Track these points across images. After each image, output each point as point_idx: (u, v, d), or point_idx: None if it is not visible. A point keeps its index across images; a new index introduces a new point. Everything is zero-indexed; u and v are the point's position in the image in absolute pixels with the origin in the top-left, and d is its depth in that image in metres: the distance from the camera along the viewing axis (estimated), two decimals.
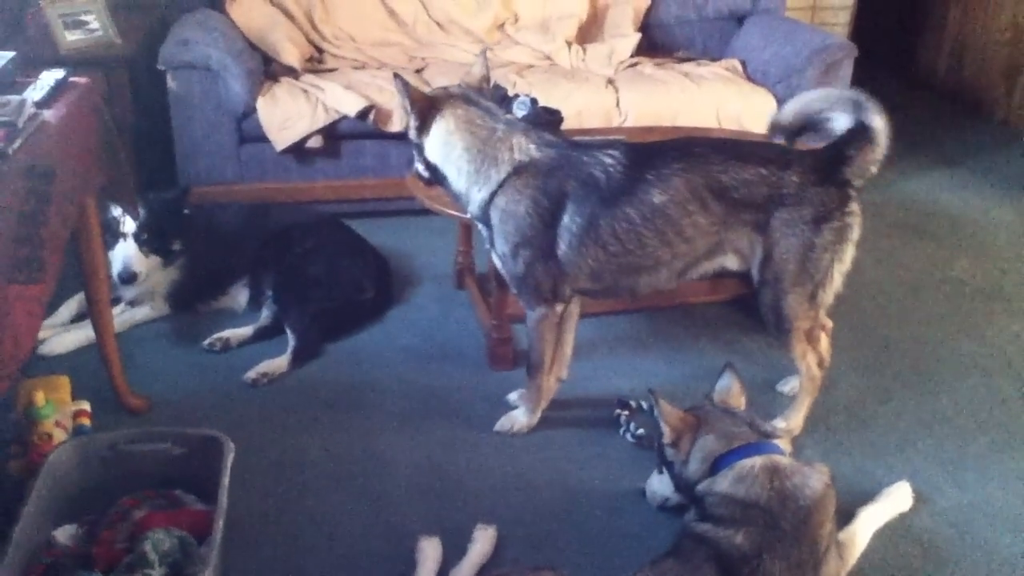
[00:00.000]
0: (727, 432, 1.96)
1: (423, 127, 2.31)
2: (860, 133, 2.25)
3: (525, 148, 2.29)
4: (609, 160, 2.29)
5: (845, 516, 2.13)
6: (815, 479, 1.85)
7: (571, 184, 2.27)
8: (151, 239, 2.88)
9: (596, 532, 2.20)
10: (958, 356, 2.99)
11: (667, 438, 2.00)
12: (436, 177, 2.39)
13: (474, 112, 2.31)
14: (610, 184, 2.27)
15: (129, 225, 2.83)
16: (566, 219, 2.28)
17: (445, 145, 2.30)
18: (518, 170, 2.27)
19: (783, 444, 2.00)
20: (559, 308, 2.44)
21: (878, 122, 2.24)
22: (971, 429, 2.61)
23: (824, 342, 2.59)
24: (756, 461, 1.88)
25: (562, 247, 2.30)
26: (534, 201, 2.27)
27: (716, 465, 1.92)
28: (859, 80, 4.04)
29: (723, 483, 1.88)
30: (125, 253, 2.84)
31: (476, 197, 2.32)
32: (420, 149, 2.36)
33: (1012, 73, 5.18)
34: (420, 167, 2.41)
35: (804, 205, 2.27)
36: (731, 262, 2.40)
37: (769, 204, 2.28)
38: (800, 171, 2.28)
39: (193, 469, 2.09)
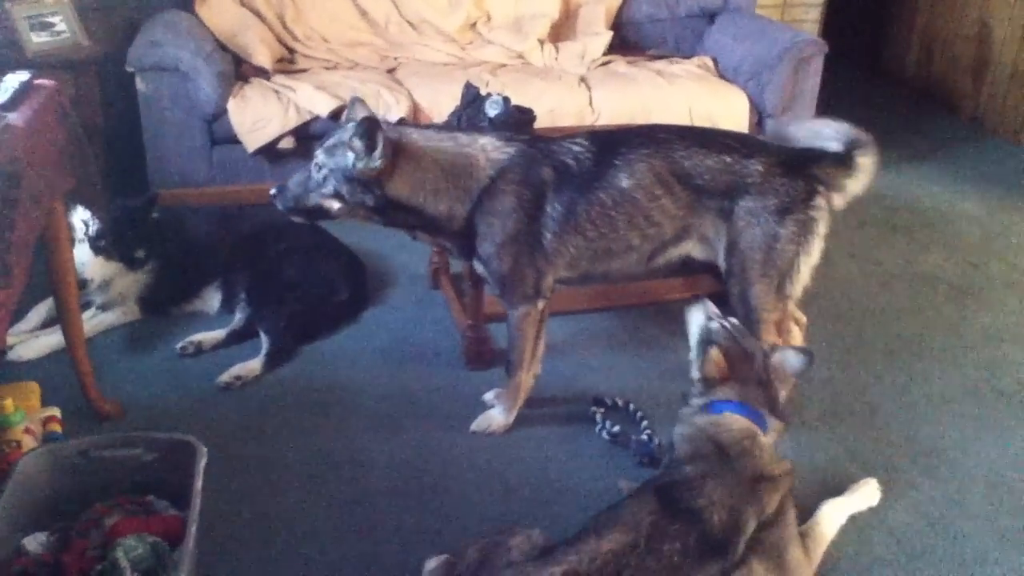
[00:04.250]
0: (741, 393, 2.01)
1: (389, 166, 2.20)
2: (843, 159, 2.32)
3: (497, 146, 2.29)
4: (577, 148, 2.33)
5: (813, 509, 2.16)
6: (779, 464, 1.94)
7: (548, 172, 2.30)
8: (112, 245, 2.85)
9: (573, 530, 2.18)
10: (930, 350, 3.01)
11: (696, 372, 2.08)
12: (396, 216, 2.28)
13: (428, 132, 2.31)
14: (582, 171, 2.30)
15: (90, 229, 2.79)
16: (548, 208, 2.30)
17: (416, 171, 2.23)
18: (501, 172, 2.27)
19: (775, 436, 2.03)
20: (541, 304, 2.44)
21: (866, 163, 2.31)
22: (944, 422, 2.64)
23: (798, 337, 2.62)
24: (743, 421, 1.95)
25: (547, 236, 2.32)
26: (517, 196, 2.28)
27: (712, 406, 2.00)
28: (829, 76, 4.10)
29: (705, 418, 1.98)
30: (79, 259, 2.79)
31: (460, 212, 2.28)
32: (372, 190, 2.21)
33: (980, 69, 5.24)
34: (369, 214, 2.27)
35: (768, 195, 2.30)
36: (699, 249, 2.44)
37: (733, 192, 2.32)
38: (765, 161, 2.31)
39: (165, 474, 2.06)
